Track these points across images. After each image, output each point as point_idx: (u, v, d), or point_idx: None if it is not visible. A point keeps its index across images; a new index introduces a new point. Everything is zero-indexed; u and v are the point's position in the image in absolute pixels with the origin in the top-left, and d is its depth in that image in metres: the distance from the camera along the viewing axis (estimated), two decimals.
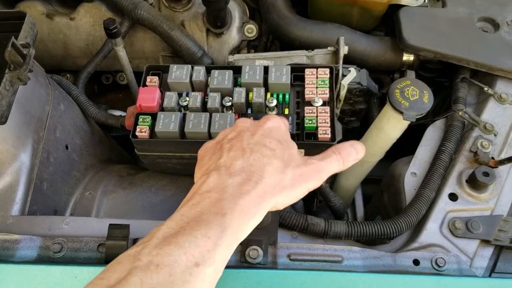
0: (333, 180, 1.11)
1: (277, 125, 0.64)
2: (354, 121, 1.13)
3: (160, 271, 0.44)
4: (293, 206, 0.97)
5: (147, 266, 0.44)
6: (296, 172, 0.58)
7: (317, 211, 1.03)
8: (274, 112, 0.82)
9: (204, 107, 0.83)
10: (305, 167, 0.60)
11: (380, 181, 1.06)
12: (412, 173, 0.88)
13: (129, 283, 0.43)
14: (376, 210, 1.12)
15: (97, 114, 1.00)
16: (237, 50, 1.18)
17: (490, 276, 0.76)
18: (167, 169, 0.91)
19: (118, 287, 0.43)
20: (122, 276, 0.44)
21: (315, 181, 0.60)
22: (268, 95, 0.84)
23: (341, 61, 0.94)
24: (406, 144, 0.97)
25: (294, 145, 0.63)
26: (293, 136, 0.78)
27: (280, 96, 0.84)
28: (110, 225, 0.67)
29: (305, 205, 1.03)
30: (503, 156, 0.87)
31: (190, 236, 0.47)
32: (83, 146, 0.96)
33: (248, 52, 1.21)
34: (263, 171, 0.56)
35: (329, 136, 0.78)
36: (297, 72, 0.86)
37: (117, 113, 1.14)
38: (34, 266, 0.67)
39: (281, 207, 0.59)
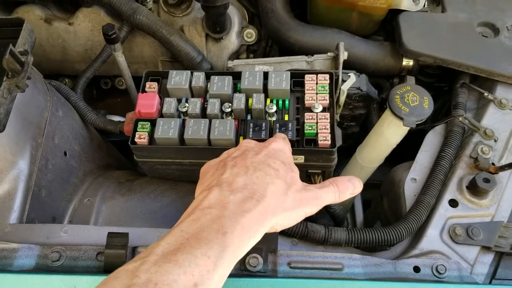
0: None
1: (282, 147, 0.64)
2: (353, 126, 1.13)
3: None
4: None
5: (146, 284, 0.44)
6: (297, 196, 0.59)
7: (316, 217, 1.02)
8: (274, 118, 0.82)
9: (203, 113, 0.83)
10: (306, 193, 0.60)
11: (380, 186, 1.06)
12: (412, 179, 0.88)
13: None
14: (375, 216, 1.12)
15: (95, 120, 0.99)
16: (236, 54, 1.18)
17: (490, 282, 0.76)
18: (166, 175, 0.91)
19: None
20: None
21: (313, 207, 0.61)
22: (268, 101, 0.83)
23: (340, 67, 0.94)
24: (406, 149, 0.97)
25: (296, 169, 0.63)
26: (293, 143, 0.78)
27: (280, 102, 0.84)
28: (109, 233, 0.67)
29: None
30: (504, 161, 0.87)
31: (190, 254, 0.46)
32: (82, 152, 0.96)
33: (248, 56, 1.21)
34: (265, 189, 0.56)
35: (329, 142, 0.77)
36: (297, 78, 0.86)
37: (116, 118, 1.13)
38: (32, 276, 0.66)
39: (279, 229, 0.59)
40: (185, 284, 0.45)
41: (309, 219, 1.01)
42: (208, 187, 0.57)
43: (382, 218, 1.04)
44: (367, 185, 1.09)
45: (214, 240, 0.48)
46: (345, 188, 0.65)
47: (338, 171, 1.13)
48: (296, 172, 0.63)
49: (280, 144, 0.65)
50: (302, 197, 0.59)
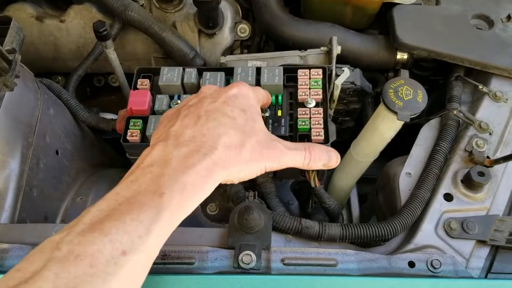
0: (327, 180, 1.10)
1: (245, 93, 0.59)
2: (348, 120, 1.13)
3: (79, 262, 0.40)
4: (288, 207, 0.97)
5: (66, 256, 0.41)
6: (256, 148, 0.54)
7: (311, 213, 1.02)
8: (267, 114, 0.81)
9: None
10: (268, 148, 0.56)
11: (375, 180, 1.06)
12: (407, 173, 0.88)
13: (43, 278, 0.39)
14: (371, 210, 1.11)
15: (88, 118, 0.99)
16: (230, 50, 1.17)
17: (486, 276, 0.75)
18: None
19: (30, 282, 0.39)
20: (38, 269, 0.40)
21: (274, 163, 0.56)
22: None
23: (334, 61, 0.94)
24: (401, 143, 0.96)
25: (260, 119, 0.58)
26: (286, 138, 0.77)
27: (273, 97, 0.83)
28: None
29: (300, 206, 1.02)
30: (498, 155, 0.86)
31: (118, 221, 0.43)
32: (74, 150, 0.95)
33: (241, 52, 1.20)
34: (216, 141, 0.51)
35: (322, 137, 0.77)
36: (290, 73, 0.85)
37: (109, 116, 1.12)
38: None
39: (235, 181, 0.55)
40: (111, 253, 0.42)
41: (303, 215, 1.01)
42: (155, 141, 0.53)
43: (377, 212, 1.04)
44: (363, 180, 1.09)
45: (149, 203, 0.45)
46: (318, 158, 0.61)
47: None
48: (259, 122, 0.58)
49: (243, 90, 0.59)
50: (263, 151, 0.55)
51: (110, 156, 1.16)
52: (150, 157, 0.50)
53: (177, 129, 0.53)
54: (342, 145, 1.07)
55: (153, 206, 0.45)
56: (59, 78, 1.29)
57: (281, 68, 0.84)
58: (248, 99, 0.59)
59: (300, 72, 0.84)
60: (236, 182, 0.55)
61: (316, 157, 0.60)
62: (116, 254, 0.42)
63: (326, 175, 0.97)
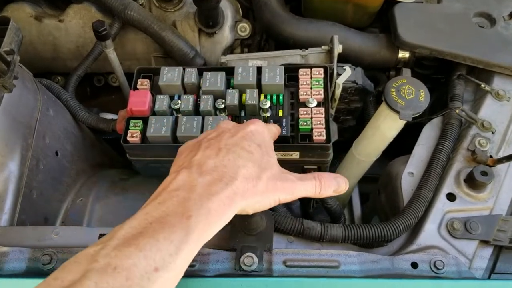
0: None
1: (260, 130, 0.63)
2: (350, 120, 1.12)
3: (117, 275, 0.43)
4: (289, 207, 0.96)
5: (104, 268, 0.43)
6: (270, 181, 0.57)
7: (313, 213, 1.01)
8: (268, 114, 0.80)
9: (196, 110, 0.81)
10: (280, 180, 0.59)
11: (377, 179, 1.05)
12: (409, 172, 0.87)
13: (83, 287, 0.42)
14: (373, 210, 1.11)
15: (87, 118, 0.98)
16: (230, 49, 1.16)
17: (489, 277, 0.75)
18: (160, 174, 0.89)
19: None
20: (77, 278, 0.42)
21: (287, 195, 0.59)
22: (262, 96, 0.82)
23: (335, 60, 0.93)
24: (403, 142, 0.95)
25: (274, 154, 0.62)
26: (288, 138, 0.77)
27: (274, 97, 0.82)
28: (100, 234, 0.66)
29: (301, 206, 1.01)
30: (501, 154, 0.86)
31: (152, 239, 0.46)
32: (74, 151, 0.94)
33: (242, 51, 1.19)
34: (236, 172, 0.55)
35: (324, 138, 0.76)
36: (291, 72, 0.84)
37: (109, 116, 1.12)
38: (23, 280, 0.65)
39: (250, 212, 0.58)
40: (145, 268, 0.44)
41: (305, 215, 1.00)
42: (179, 168, 0.56)
43: (379, 212, 1.03)
44: (365, 179, 1.09)
45: (178, 225, 0.48)
46: (328, 186, 0.63)
47: (335, 165, 1.12)
48: (273, 157, 0.61)
49: (259, 127, 0.63)
50: (277, 184, 0.58)
51: (110, 156, 1.15)
52: (176, 182, 0.53)
53: (200, 158, 0.56)
54: (343, 144, 1.07)
55: (182, 228, 0.48)
56: (59, 78, 1.28)
57: (282, 67, 0.83)
58: (263, 134, 0.63)
59: (301, 71, 0.83)
60: (250, 213, 0.58)
61: (325, 185, 0.63)
62: (150, 269, 0.44)
63: None
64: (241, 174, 0.55)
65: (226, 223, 0.53)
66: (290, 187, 0.59)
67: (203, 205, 0.50)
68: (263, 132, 0.63)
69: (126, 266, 0.43)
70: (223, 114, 0.81)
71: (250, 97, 0.80)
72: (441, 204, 0.81)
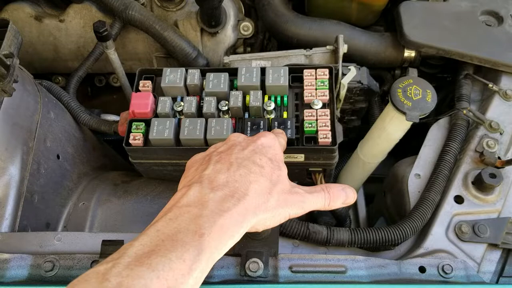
0: (334, 182, 1.09)
1: (271, 143, 0.62)
2: (355, 120, 1.11)
3: None
4: None
5: None
6: (281, 196, 0.56)
7: (318, 215, 1.00)
8: (273, 116, 0.79)
9: (199, 112, 0.80)
10: (292, 194, 0.58)
11: (382, 180, 1.04)
12: (416, 174, 0.86)
13: None
14: (378, 211, 1.10)
15: (89, 120, 0.97)
16: (233, 49, 1.15)
17: (498, 280, 0.74)
18: (163, 176, 0.89)
19: None
20: None
21: (298, 210, 0.58)
22: (266, 98, 0.81)
23: (340, 60, 0.91)
24: (409, 142, 0.94)
25: (284, 167, 0.61)
26: (292, 141, 0.76)
27: (278, 98, 0.81)
28: (103, 241, 0.65)
29: None
30: (510, 155, 0.85)
31: (165, 258, 0.45)
32: (76, 154, 0.93)
33: (245, 50, 1.18)
34: (247, 188, 0.54)
35: (330, 140, 0.75)
36: (295, 73, 0.83)
37: (111, 117, 1.10)
38: (25, 287, 0.64)
39: (260, 229, 0.57)
40: None
41: (310, 218, 0.99)
42: (189, 183, 0.55)
43: (385, 214, 1.02)
44: (370, 179, 1.08)
45: (191, 243, 0.47)
46: (337, 197, 0.62)
47: (340, 166, 1.11)
48: (283, 170, 0.60)
49: (270, 140, 0.62)
50: (287, 198, 0.57)
51: (112, 158, 1.14)
52: (187, 198, 0.52)
53: (210, 173, 0.55)
54: (348, 144, 1.05)
55: (195, 246, 0.47)
56: (59, 78, 1.27)
57: (286, 68, 0.81)
58: (274, 148, 0.62)
59: (306, 72, 0.81)
60: (260, 230, 0.57)
61: (334, 196, 0.62)
62: None
63: (333, 177, 0.95)
64: (253, 189, 0.54)
65: (237, 241, 0.52)
66: (300, 201, 0.58)
67: (215, 222, 0.49)
68: (274, 145, 0.62)
69: (138, 286, 0.42)
70: (227, 116, 0.80)
71: (254, 99, 0.78)
72: (449, 206, 0.80)
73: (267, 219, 0.55)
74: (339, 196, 0.62)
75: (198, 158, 0.62)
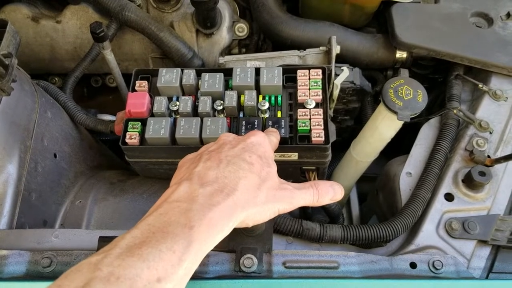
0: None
1: (261, 141, 0.63)
2: (348, 120, 1.12)
3: (120, 284, 0.43)
4: None
5: (107, 277, 0.43)
6: (270, 192, 0.58)
7: (312, 213, 1.02)
8: (267, 115, 0.80)
9: (195, 112, 0.81)
10: (280, 190, 0.60)
11: (375, 179, 1.05)
12: (407, 173, 0.87)
13: None
14: (371, 210, 1.11)
15: (85, 120, 0.98)
16: (228, 49, 1.16)
17: (487, 276, 0.75)
18: (159, 175, 0.90)
19: None
20: (80, 286, 0.42)
21: (286, 205, 0.60)
22: (260, 97, 0.82)
23: (333, 61, 0.93)
24: (401, 141, 0.96)
25: (274, 165, 0.63)
26: (286, 140, 0.77)
27: (273, 98, 0.82)
28: (100, 238, 0.65)
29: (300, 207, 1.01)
30: (499, 154, 0.86)
31: (155, 249, 0.46)
32: (72, 153, 0.94)
33: (240, 51, 1.19)
34: (237, 183, 0.55)
35: (323, 139, 0.76)
36: (289, 74, 0.84)
37: (107, 117, 1.11)
38: (23, 283, 0.65)
39: (250, 224, 0.58)
40: (148, 278, 0.44)
41: (304, 215, 1.00)
42: (180, 180, 0.57)
43: (377, 212, 1.04)
44: (363, 178, 1.09)
45: (180, 235, 0.48)
46: (325, 193, 0.64)
47: (333, 165, 1.12)
48: (273, 168, 0.62)
49: (259, 138, 0.64)
50: (276, 194, 0.59)
51: (108, 157, 1.15)
52: (177, 193, 0.54)
53: (200, 170, 0.57)
54: (342, 143, 1.07)
55: (184, 238, 0.48)
56: (56, 78, 1.27)
57: (280, 68, 0.83)
58: (264, 145, 0.63)
59: (299, 72, 0.83)
60: (250, 225, 0.59)
61: (323, 193, 0.64)
62: (152, 280, 0.44)
63: (326, 176, 0.97)
64: (242, 185, 0.55)
65: (226, 235, 0.53)
66: (289, 197, 0.60)
67: (205, 215, 0.50)
68: (264, 143, 0.64)
69: (129, 276, 0.43)
70: (222, 115, 0.81)
71: (249, 98, 0.80)
72: (439, 204, 0.81)
73: (256, 213, 0.57)
74: (327, 192, 0.64)
75: (189, 158, 0.64)
